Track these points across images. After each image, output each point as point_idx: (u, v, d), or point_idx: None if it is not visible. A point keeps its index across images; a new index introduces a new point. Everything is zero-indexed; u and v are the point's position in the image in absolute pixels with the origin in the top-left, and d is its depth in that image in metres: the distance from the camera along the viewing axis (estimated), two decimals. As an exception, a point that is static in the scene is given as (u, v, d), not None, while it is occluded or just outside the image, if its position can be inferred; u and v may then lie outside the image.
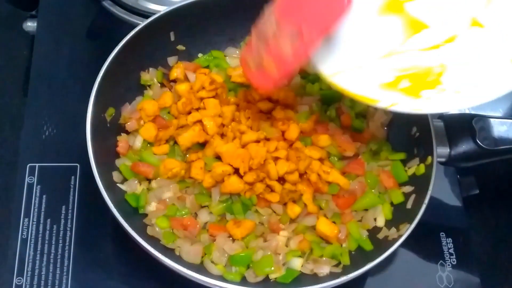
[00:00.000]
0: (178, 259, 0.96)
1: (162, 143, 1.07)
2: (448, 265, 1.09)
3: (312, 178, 1.01)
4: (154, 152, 1.06)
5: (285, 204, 1.02)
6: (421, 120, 1.04)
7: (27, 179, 1.09)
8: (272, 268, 0.95)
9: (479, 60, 0.88)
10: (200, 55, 1.19)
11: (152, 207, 1.01)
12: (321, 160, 1.04)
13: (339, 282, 0.91)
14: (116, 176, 1.02)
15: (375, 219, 1.04)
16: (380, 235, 1.01)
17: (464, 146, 1.02)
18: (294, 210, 1.00)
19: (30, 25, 1.30)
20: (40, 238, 1.04)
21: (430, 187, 0.97)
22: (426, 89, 0.87)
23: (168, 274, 0.92)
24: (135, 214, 1.00)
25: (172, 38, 1.15)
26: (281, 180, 1.02)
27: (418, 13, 0.93)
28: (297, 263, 0.98)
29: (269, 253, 0.97)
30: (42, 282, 1.01)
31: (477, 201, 1.25)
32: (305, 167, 1.00)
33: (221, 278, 0.94)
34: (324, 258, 0.98)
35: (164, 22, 1.10)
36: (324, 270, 0.97)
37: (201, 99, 1.08)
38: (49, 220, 1.06)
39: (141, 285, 1.03)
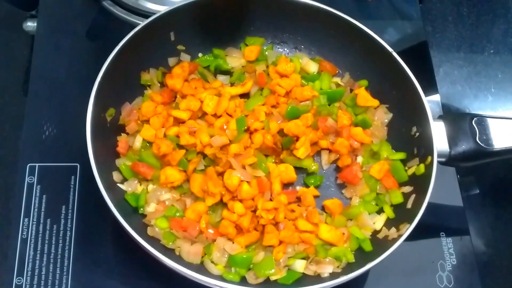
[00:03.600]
0: (178, 259, 0.96)
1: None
2: (448, 265, 1.09)
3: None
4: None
5: None
6: (421, 120, 1.05)
7: (27, 179, 1.09)
8: (273, 270, 0.95)
9: None
10: (200, 55, 1.20)
11: (151, 208, 1.01)
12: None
13: (339, 282, 0.91)
14: (116, 176, 1.02)
15: (374, 223, 1.04)
16: (380, 235, 1.01)
17: (464, 146, 1.02)
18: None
19: (30, 25, 1.30)
20: (40, 238, 1.04)
21: (430, 187, 0.97)
22: None
23: (168, 274, 0.92)
24: (135, 214, 1.00)
25: (172, 38, 1.15)
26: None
27: None
28: (300, 265, 0.98)
29: (270, 254, 0.98)
30: (42, 282, 1.01)
31: (477, 201, 1.25)
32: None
33: (221, 278, 0.94)
34: (327, 259, 0.99)
35: (164, 22, 1.10)
36: (328, 270, 0.97)
37: None
38: (49, 220, 1.06)
39: (141, 285, 1.03)
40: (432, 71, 1.32)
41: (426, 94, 1.05)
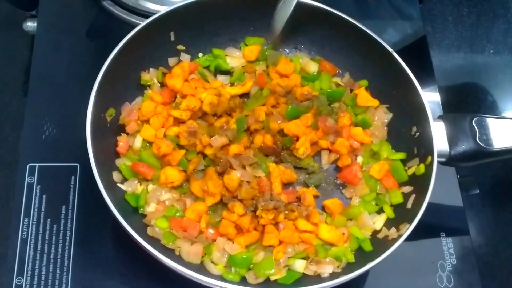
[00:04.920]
0: (178, 259, 0.96)
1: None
2: (448, 265, 1.09)
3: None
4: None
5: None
6: (421, 120, 1.05)
7: (27, 179, 1.09)
8: (273, 270, 0.95)
9: None
10: (200, 55, 1.20)
11: (151, 208, 1.01)
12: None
13: (339, 282, 0.91)
14: (116, 176, 1.02)
15: (373, 223, 1.04)
16: (380, 235, 1.01)
17: (464, 146, 1.02)
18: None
19: (30, 25, 1.30)
20: (40, 238, 1.04)
21: (430, 187, 0.97)
22: None
23: (168, 274, 0.92)
24: (135, 214, 1.00)
25: (172, 38, 1.15)
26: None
27: None
28: (300, 265, 0.98)
29: (270, 254, 0.98)
30: (42, 282, 1.01)
31: (477, 201, 1.25)
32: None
33: (221, 278, 0.94)
34: (327, 259, 0.99)
35: (164, 22, 1.10)
36: (328, 270, 0.97)
37: None
38: (49, 220, 1.06)
39: (141, 285, 1.03)
40: (432, 70, 1.32)
41: (426, 94, 1.05)
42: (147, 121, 1.07)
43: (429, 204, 0.96)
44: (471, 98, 1.39)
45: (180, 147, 1.05)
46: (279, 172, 1.05)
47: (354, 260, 0.99)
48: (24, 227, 1.05)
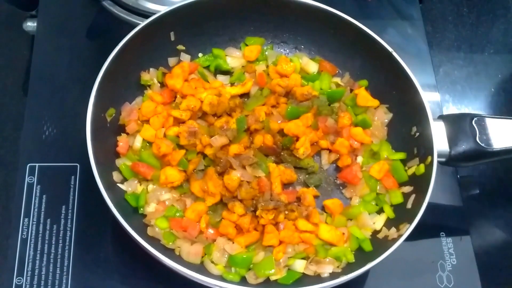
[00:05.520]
0: (178, 259, 0.96)
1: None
2: (448, 265, 1.09)
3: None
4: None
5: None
6: (421, 120, 1.05)
7: (27, 179, 1.09)
8: (273, 270, 0.95)
9: None
10: (200, 55, 1.20)
11: (151, 208, 1.01)
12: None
13: (339, 282, 0.91)
14: (116, 176, 1.02)
15: (373, 223, 1.04)
16: (380, 235, 1.01)
17: (464, 146, 1.02)
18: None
19: (30, 25, 1.30)
20: (40, 238, 1.04)
21: (430, 187, 0.97)
22: None
23: (168, 274, 0.92)
24: (135, 214, 1.00)
25: (172, 38, 1.15)
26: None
27: None
28: (300, 265, 0.98)
29: (270, 254, 0.98)
30: (42, 282, 1.01)
31: (477, 201, 1.25)
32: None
33: (221, 278, 0.94)
34: (327, 259, 0.99)
35: (164, 22, 1.10)
36: (328, 270, 0.97)
37: None
38: (49, 220, 1.06)
39: (141, 285, 1.03)
40: (432, 70, 1.31)
41: (426, 94, 1.05)
42: (147, 121, 1.07)
43: (429, 204, 0.96)
44: (471, 98, 1.39)
45: (180, 147, 1.05)
46: (279, 172, 1.05)
47: (354, 260, 0.99)
48: (24, 227, 1.05)
